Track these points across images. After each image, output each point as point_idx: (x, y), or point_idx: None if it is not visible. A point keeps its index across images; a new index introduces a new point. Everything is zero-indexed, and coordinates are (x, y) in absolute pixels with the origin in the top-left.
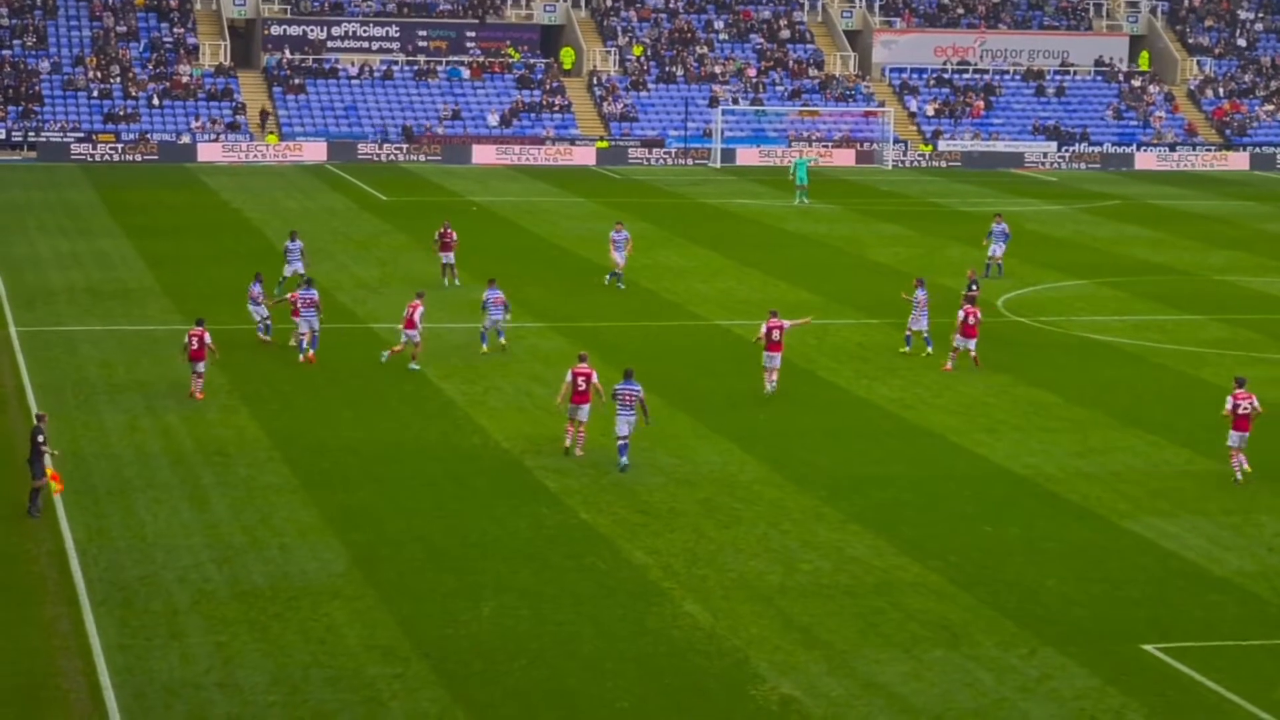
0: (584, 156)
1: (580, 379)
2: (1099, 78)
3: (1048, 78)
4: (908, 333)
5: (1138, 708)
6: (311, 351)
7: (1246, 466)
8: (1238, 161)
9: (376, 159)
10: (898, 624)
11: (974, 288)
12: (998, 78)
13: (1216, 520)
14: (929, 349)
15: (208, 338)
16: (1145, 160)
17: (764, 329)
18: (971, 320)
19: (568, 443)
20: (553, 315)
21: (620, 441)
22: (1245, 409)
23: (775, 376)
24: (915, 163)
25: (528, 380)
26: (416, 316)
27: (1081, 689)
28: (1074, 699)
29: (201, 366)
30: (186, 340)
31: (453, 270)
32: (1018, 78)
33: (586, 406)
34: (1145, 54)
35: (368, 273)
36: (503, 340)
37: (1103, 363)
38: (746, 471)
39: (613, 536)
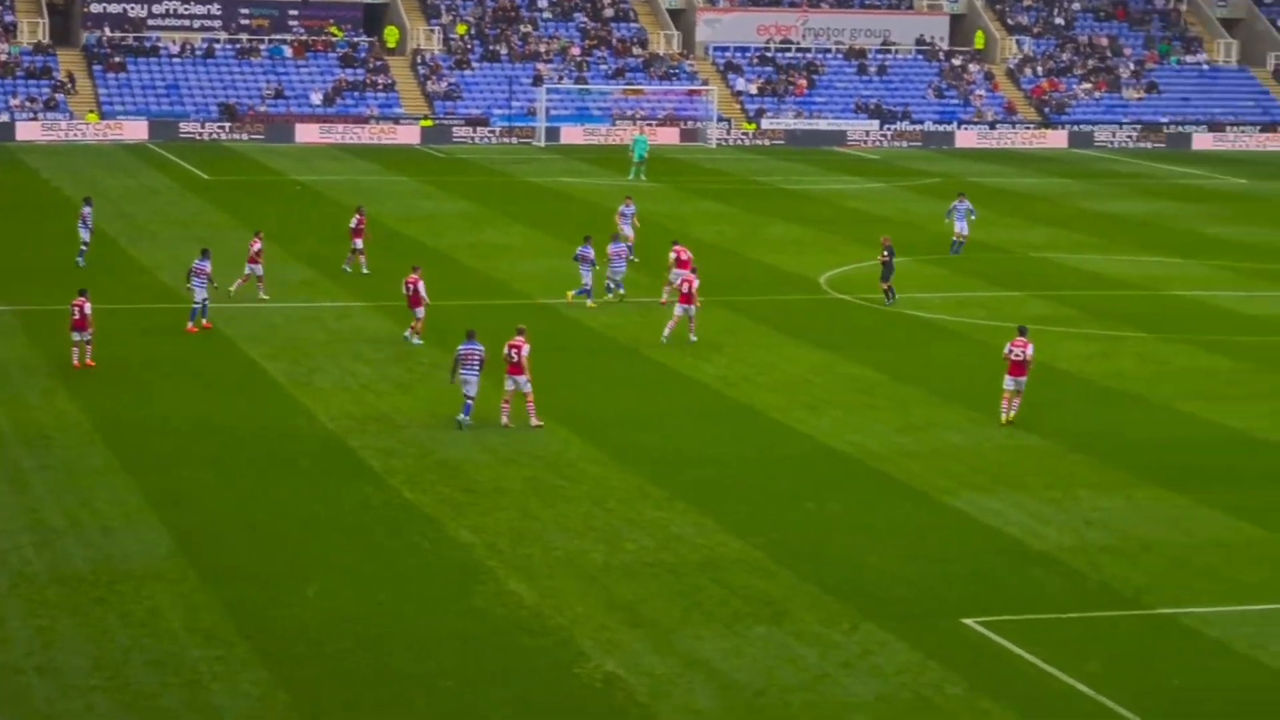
0: (408, 135)
1: (513, 351)
2: (920, 57)
3: (869, 56)
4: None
5: (958, 681)
6: (205, 320)
7: (1013, 413)
8: (1056, 139)
9: (199, 138)
10: (721, 601)
11: (887, 254)
12: (820, 56)
13: (1037, 495)
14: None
15: (88, 308)
16: (966, 138)
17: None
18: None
19: (504, 419)
20: (378, 295)
21: (468, 401)
22: (1018, 355)
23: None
24: (739, 141)
25: (352, 360)
26: (420, 290)
27: (903, 663)
28: (895, 673)
29: (81, 336)
30: (70, 310)
31: (360, 256)
32: (840, 57)
33: (523, 378)
34: (980, 33)
35: (190, 252)
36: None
37: (924, 340)
38: (572, 450)
39: (438, 515)
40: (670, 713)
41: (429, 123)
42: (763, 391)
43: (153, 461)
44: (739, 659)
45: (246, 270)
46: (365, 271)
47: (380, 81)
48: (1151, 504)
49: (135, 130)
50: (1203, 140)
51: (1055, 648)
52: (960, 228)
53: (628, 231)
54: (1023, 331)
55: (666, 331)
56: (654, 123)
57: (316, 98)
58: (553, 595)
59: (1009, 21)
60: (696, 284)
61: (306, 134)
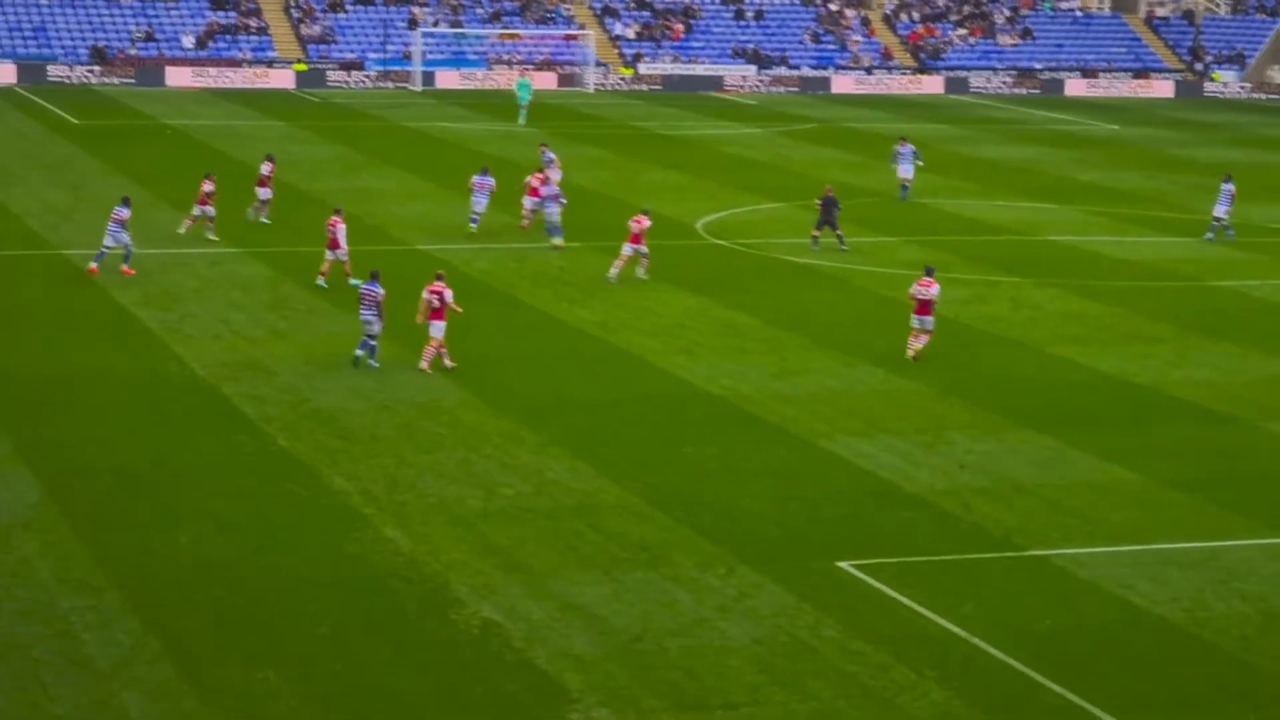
0: (282, 80)
1: (433, 297)
2: (797, 3)
3: (747, 2)
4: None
5: (832, 624)
6: (125, 266)
7: (920, 346)
8: (932, 85)
9: (68, 81)
10: (597, 546)
11: (828, 204)
12: (698, 2)
13: (910, 439)
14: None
15: None
16: (842, 84)
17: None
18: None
19: (423, 363)
20: (250, 241)
21: (373, 342)
22: (924, 295)
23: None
24: (617, 86)
25: (225, 307)
26: (339, 235)
27: (778, 606)
28: (771, 616)
29: None
30: None
31: (264, 207)
32: (717, 2)
33: (441, 324)
34: None
35: (59, 198)
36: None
37: (800, 285)
38: (447, 396)
39: (313, 463)
40: (547, 658)
41: (303, 67)
42: (639, 336)
43: (20, 409)
44: (616, 604)
45: (196, 211)
46: (264, 220)
47: (253, 25)
48: (1024, 446)
49: (3, 74)
50: (1076, 86)
51: (929, 589)
52: (905, 171)
53: (556, 175)
54: (929, 272)
55: (613, 271)
56: (531, 67)
57: (188, 41)
58: (428, 541)
59: None
60: (647, 224)
61: (178, 78)
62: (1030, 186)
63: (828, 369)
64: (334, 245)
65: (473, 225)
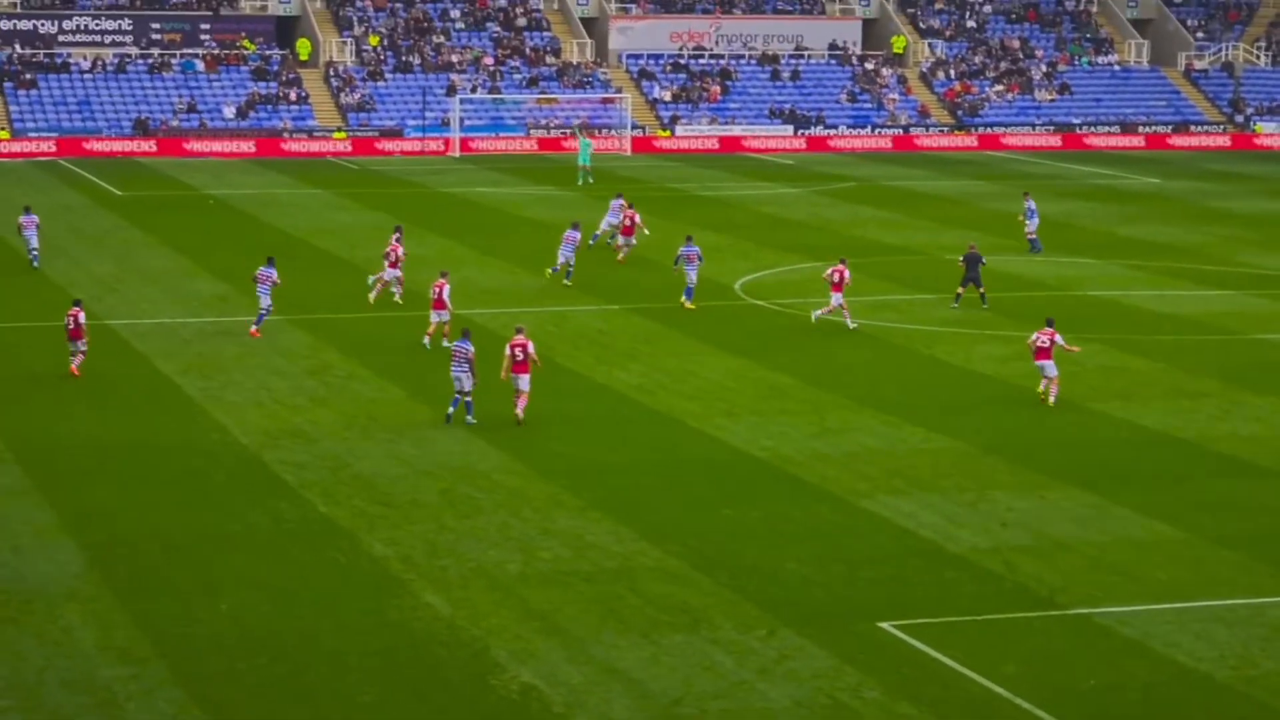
0: (322, 148)
1: (517, 350)
2: (833, 61)
3: (783, 62)
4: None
5: (874, 685)
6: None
7: (1046, 389)
8: (969, 142)
9: (111, 154)
10: (637, 609)
11: (971, 260)
12: (733, 63)
13: (951, 498)
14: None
15: (82, 317)
16: (879, 142)
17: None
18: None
19: (519, 412)
20: (293, 308)
21: (466, 398)
22: (1044, 342)
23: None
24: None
25: (266, 374)
26: (445, 295)
27: (820, 669)
28: (812, 678)
29: (80, 345)
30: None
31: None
32: (753, 62)
33: (526, 376)
34: (901, 39)
35: (104, 269)
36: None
37: (839, 344)
38: (487, 460)
39: (352, 529)
40: None
41: (342, 135)
42: (679, 399)
43: (64, 479)
44: (656, 667)
45: (434, 318)
46: (398, 300)
47: (293, 94)
48: (1066, 504)
49: (46, 147)
50: (1114, 140)
51: (971, 650)
52: (1030, 225)
53: (613, 220)
54: (1050, 323)
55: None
56: (595, 130)
57: (229, 111)
58: (468, 606)
59: (921, 25)
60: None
61: (220, 148)
62: (1070, 241)
63: (869, 428)
64: (439, 306)
65: (553, 271)
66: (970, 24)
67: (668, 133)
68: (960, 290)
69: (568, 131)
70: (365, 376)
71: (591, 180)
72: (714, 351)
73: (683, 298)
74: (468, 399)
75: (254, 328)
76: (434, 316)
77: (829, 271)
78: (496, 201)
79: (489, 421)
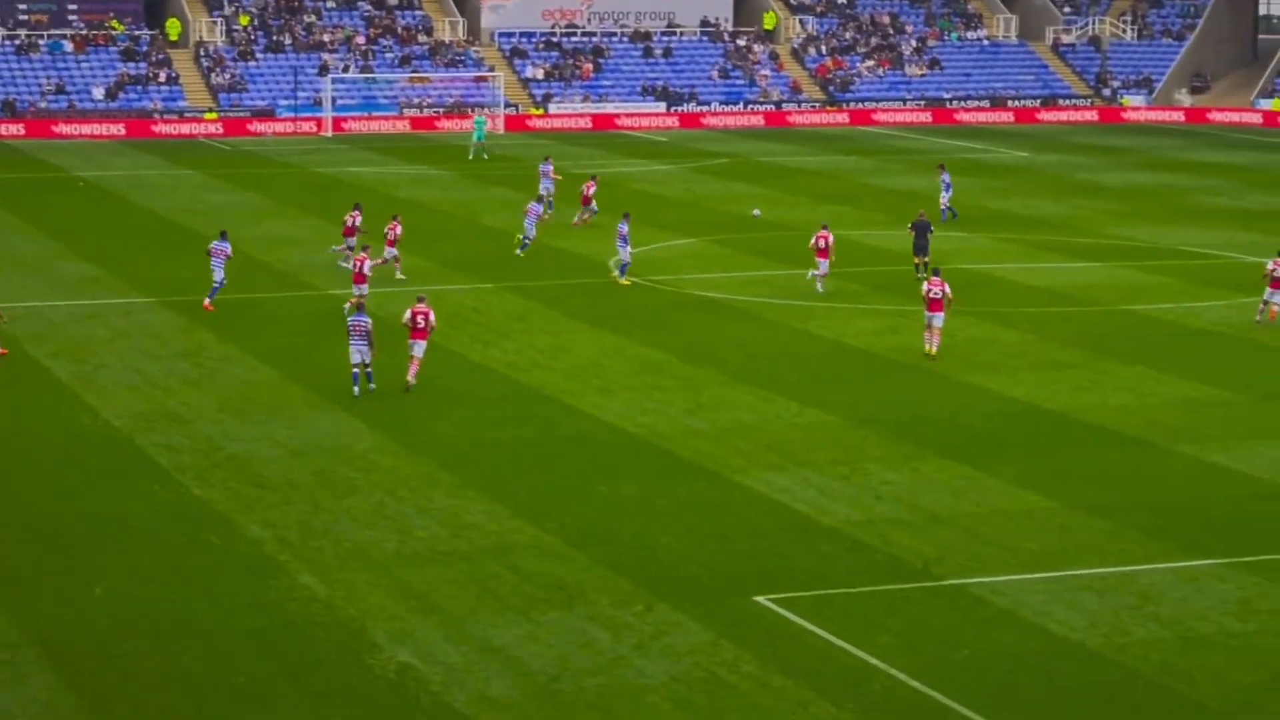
0: (194, 128)
1: (419, 317)
2: (705, 38)
3: (655, 39)
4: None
5: (750, 659)
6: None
7: (932, 348)
8: (842, 117)
9: None
10: (514, 587)
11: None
12: (606, 40)
13: (825, 471)
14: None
15: None
16: (752, 118)
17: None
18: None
19: (411, 379)
20: (163, 289)
21: (367, 369)
22: (936, 294)
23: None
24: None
25: (138, 357)
26: (366, 269)
27: (695, 643)
28: (688, 653)
29: None
30: None
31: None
32: (625, 40)
33: (423, 343)
34: (772, 15)
35: None
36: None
37: (714, 320)
38: (362, 441)
39: (227, 511)
40: (465, 701)
41: (214, 115)
42: (553, 376)
43: None
44: (533, 645)
45: (386, 254)
46: (400, 275)
47: (163, 75)
48: (939, 476)
49: None
50: (984, 115)
51: (846, 622)
52: (945, 198)
53: (548, 186)
54: (936, 272)
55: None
56: (487, 110)
57: (98, 92)
58: (344, 587)
59: (792, 1)
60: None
61: (90, 130)
62: (940, 215)
63: (743, 403)
64: (359, 280)
65: (523, 245)
66: (841, 0)
67: (541, 111)
68: (917, 261)
69: (440, 110)
70: (239, 358)
71: (486, 157)
72: (587, 329)
73: (615, 273)
74: (368, 369)
75: (208, 300)
76: (356, 291)
77: (814, 239)
78: (370, 182)
79: (355, 402)
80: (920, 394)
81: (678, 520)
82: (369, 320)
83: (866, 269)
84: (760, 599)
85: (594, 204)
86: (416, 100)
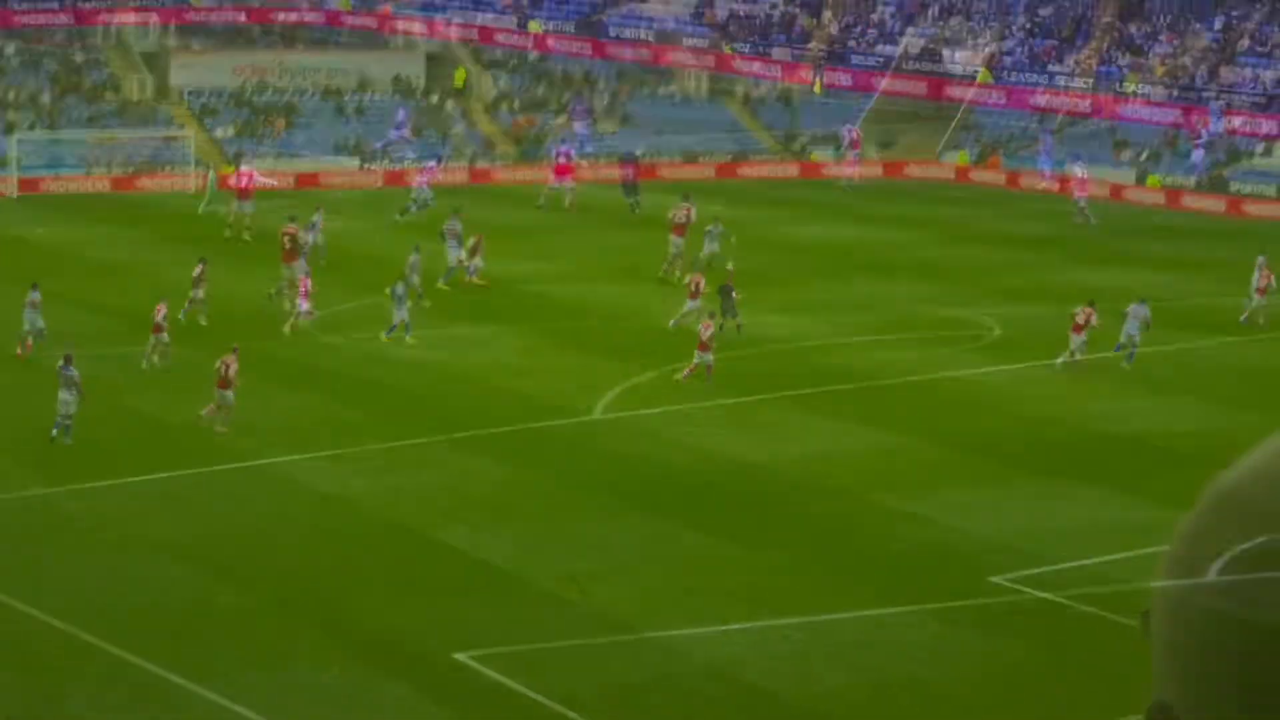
0: None
1: (223, 367)
2: (397, 95)
3: (347, 96)
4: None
5: (451, 716)
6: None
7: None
8: (538, 174)
9: None
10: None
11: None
12: (298, 97)
13: (528, 526)
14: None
15: None
16: (452, 175)
17: None
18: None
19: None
20: None
21: (68, 421)
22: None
23: None
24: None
25: None
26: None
27: (394, 700)
28: (394, 712)
29: None
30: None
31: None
32: (317, 96)
33: (229, 392)
34: (462, 71)
35: None
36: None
37: (382, 373)
38: None
39: None
40: None
41: None
42: (244, 438)
43: None
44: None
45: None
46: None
47: None
48: (637, 529)
49: None
50: (678, 171)
51: (546, 677)
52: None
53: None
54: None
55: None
56: (209, 169)
57: None
58: None
59: (484, 58)
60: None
61: None
62: (639, 268)
63: (439, 461)
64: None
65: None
66: (532, 56)
67: (232, 169)
68: (722, 322)
69: (131, 170)
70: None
71: (213, 208)
72: (282, 392)
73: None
74: (69, 422)
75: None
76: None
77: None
78: (55, 241)
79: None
80: (616, 447)
81: (375, 579)
82: (76, 372)
83: (556, 325)
84: (459, 656)
85: (479, 258)
86: (107, 159)
